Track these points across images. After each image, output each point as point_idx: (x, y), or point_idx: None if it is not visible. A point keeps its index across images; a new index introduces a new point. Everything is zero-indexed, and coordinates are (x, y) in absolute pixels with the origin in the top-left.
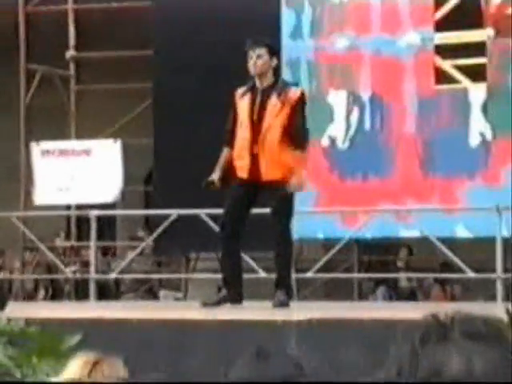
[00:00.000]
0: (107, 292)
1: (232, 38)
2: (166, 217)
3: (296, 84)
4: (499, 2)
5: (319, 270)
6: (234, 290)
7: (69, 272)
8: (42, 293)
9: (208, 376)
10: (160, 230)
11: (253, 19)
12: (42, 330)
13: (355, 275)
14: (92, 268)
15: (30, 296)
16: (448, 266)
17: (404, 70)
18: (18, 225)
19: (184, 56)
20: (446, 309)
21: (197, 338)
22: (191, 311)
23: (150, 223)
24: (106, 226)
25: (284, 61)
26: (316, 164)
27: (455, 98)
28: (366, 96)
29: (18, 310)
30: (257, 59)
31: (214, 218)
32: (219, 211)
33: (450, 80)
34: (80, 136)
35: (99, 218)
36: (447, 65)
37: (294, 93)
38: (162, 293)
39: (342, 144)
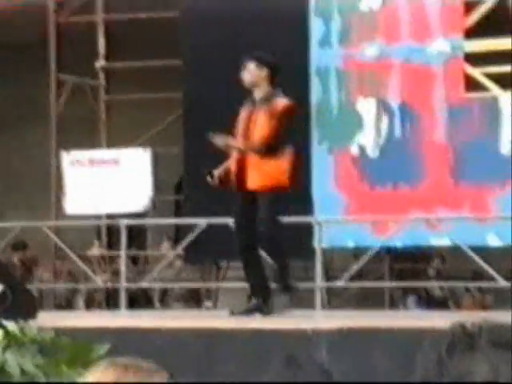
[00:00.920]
0: (140, 301)
1: (260, 46)
2: (196, 225)
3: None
4: None
5: (350, 279)
6: (263, 300)
7: (100, 281)
8: (81, 303)
9: None
10: (190, 238)
11: (281, 28)
12: (72, 339)
13: (386, 284)
14: (122, 277)
15: (62, 305)
16: (479, 275)
17: (434, 77)
18: (50, 234)
19: (212, 65)
20: (474, 317)
21: (227, 347)
22: (221, 320)
23: (179, 232)
24: (137, 235)
25: (313, 69)
26: (346, 173)
27: (485, 105)
28: (395, 104)
29: (49, 320)
30: (244, 72)
31: None
32: None
33: (480, 88)
34: (110, 145)
35: (130, 228)
36: (477, 72)
37: (279, 104)
38: (207, 302)
39: (371, 152)
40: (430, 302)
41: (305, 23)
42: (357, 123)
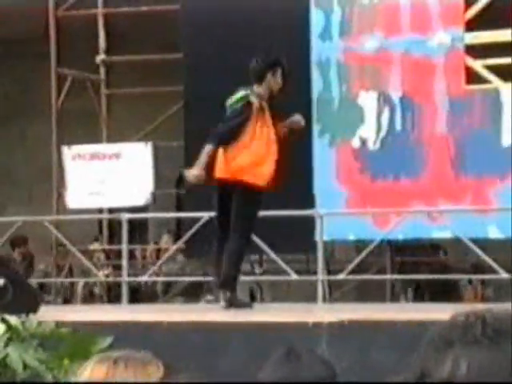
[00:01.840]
0: (141, 295)
1: (260, 39)
2: (198, 219)
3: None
4: None
5: (351, 272)
6: (231, 292)
7: (101, 275)
8: (79, 295)
9: (239, 377)
10: (191, 232)
11: (281, 20)
12: (73, 332)
13: (387, 277)
14: (124, 271)
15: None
16: (480, 267)
17: (434, 70)
18: (51, 229)
19: (213, 58)
20: (474, 309)
21: (228, 340)
22: (222, 313)
23: (181, 226)
24: (138, 229)
25: (313, 62)
26: (347, 165)
27: (486, 98)
28: (396, 97)
29: (49, 314)
30: (278, 78)
31: None
32: None
33: (481, 80)
34: (111, 139)
35: (131, 221)
36: (478, 65)
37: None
38: (207, 297)
39: (373, 145)
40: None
41: (305, 15)
42: (358, 116)
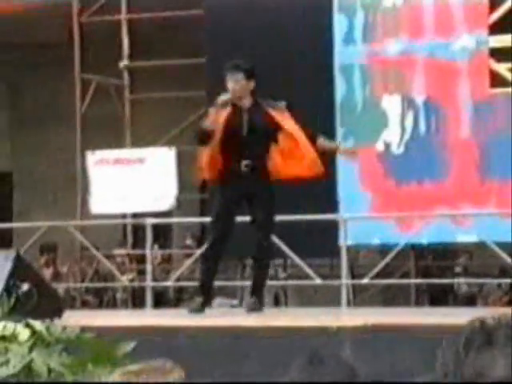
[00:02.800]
0: (166, 300)
1: (283, 44)
2: None
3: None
4: None
5: (375, 276)
6: (208, 299)
7: (125, 280)
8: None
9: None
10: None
11: (304, 25)
12: (97, 337)
13: (412, 281)
14: (148, 276)
15: (87, 304)
16: (507, 271)
17: (458, 73)
18: (75, 234)
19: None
20: (494, 313)
21: (252, 345)
22: (246, 318)
23: (205, 231)
24: (162, 234)
25: (337, 66)
26: (371, 169)
27: (510, 101)
28: (420, 100)
29: (74, 319)
30: (234, 84)
31: None
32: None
33: (505, 83)
34: (135, 144)
35: (155, 227)
36: (502, 68)
37: (282, 104)
38: (216, 300)
39: (396, 149)
40: (457, 299)
41: (328, 20)
42: (381, 120)
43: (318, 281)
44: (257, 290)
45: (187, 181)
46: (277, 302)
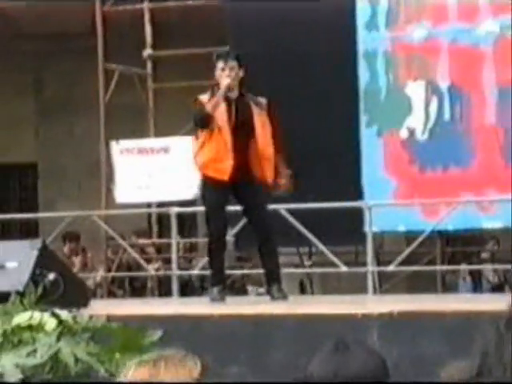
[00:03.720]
0: (191, 289)
1: (306, 32)
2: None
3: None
4: None
5: (401, 263)
6: (223, 287)
7: (151, 269)
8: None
9: (289, 369)
10: (239, 225)
11: (327, 12)
12: (123, 325)
13: (438, 267)
14: (174, 265)
15: (113, 293)
16: None
17: (483, 58)
18: (100, 223)
19: (259, 51)
20: None
21: (278, 332)
22: (272, 305)
23: (230, 219)
24: (187, 223)
25: (360, 53)
26: (395, 156)
27: None
28: (444, 86)
29: (100, 307)
30: (230, 71)
31: (293, 213)
32: (299, 206)
33: None
34: (158, 134)
35: (180, 215)
36: None
37: (263, 101)
38: (250, 288)
39: (421, 135)
40: (483, 285)
41: (351, 6)
42: (405, 106)
43: (344, 268)
44: (277, 278)
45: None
46: (302, 290)
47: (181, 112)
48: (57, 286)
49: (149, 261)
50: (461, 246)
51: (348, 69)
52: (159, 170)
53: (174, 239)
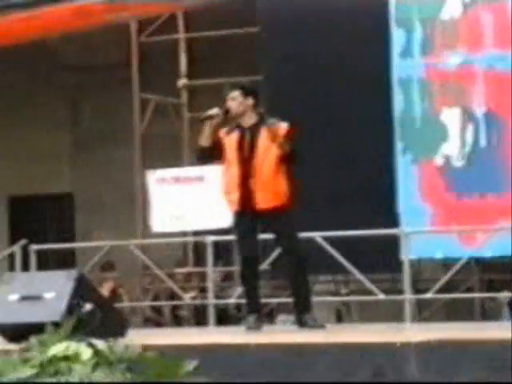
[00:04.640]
0: (228, 318)
1: (341, 60)
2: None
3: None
4: None
5: (439, 291)
6: (259, 315)
7: (188, 298)
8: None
9: None
10: (275, 253)
11: (361, 40)
12: (159, 355)
13: (476, 295)
14: (210, 293)
15: (150, 323)
16: None
17: None
18: (137, 252)
19: (292, 81)
20: None
21: (315, 362)
22: (309, 335)
23: (266, 248)
24: (224, 252)
25: (395, 80)
26: (431, 183)
27: None
28: (480, 112)
29: (136, 337)
30: (231, 101)
31: (329, 240)
32: (335, 234)
33: None
34: (193, 163)
35: (216, 244)
36: None
37: (282, 129)
38: (280, 317)
39: (457, 162)
40: None
41: (386, 33)
42: (441, 133)
43: (381, 296)
44: (310, 307)
45: None
46: (339, 318)
47: None
48: (93, 316)
49: (185, 290)
50: (499, 273)
51: (383, 96)
52: (194, 199)
53: (210, 268)
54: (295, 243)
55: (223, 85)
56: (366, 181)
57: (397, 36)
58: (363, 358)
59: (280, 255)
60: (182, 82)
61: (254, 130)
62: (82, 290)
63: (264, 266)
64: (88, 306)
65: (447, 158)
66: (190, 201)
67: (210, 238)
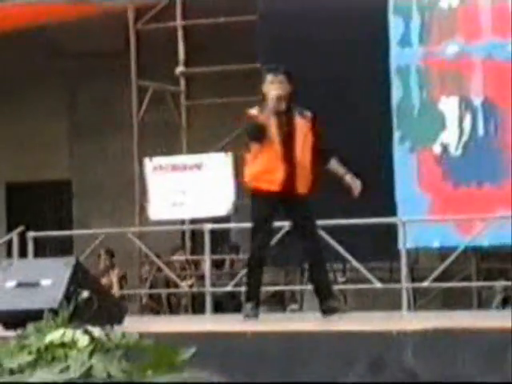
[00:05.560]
0: (227, 305)
1: (339, 48)
2: (280, 228)
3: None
4: None
5: (436, 280)
6: (256, 303)
7: (185, 286)
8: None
9: None
10: (274, 241)
11: (360, 29)
12: (156, 343)
13: (473, 284)
14: (207, 281)
15: (148, 310)
16: None
17: None
18: (134, 240)
19: (290, 68)
20: None
21: (312, 350)
22: (305, 323)
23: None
24: (220, 240)
25: (393, 69)
26: (429, 171)
27: None
28: (478, 101)
29: (133, 325)
30: (280, 84)
31: (327, 229)
32: (333, 222)
33: None
34: (191, 150)
35: (213, 232)
36: None
37: (309, 115)
38: (291, 306)
39: (455, 151)
40: None
41: (384, 22)
42: (439, 122)
43: (378, 285)
44: (333, 292)
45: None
46: None
47: (213, 128)
48: (90, 303)
49: (183, 278)
50: (496, 262)
51: (381, 85)
52: (192, 187)
53: (208, 256)
54: (317, 230)
55: (222, 72)
56: (364, 169)
57: (395, 25)
58: (360, 346)
59: (294, 241)
60: (180, 69)
61: (289, 115)
62: (79, 277)
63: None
64: (85, 294)
65: (445, 147)
66: (187, 189)
67: (208, 226)
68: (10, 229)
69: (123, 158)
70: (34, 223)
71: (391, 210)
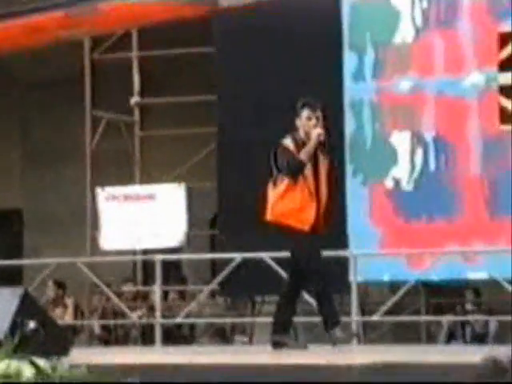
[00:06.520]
0: (178, 337)
1: (294, 82)
2: (232, 260)
3: None
4: None
5: (386, 313)
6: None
7: (134, 316)
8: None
9: None
10: (225, 273)
11: (315, 63)
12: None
13: (423, 318)
14: (157, 313)
15: (96, 341)
16: None
17: (468, 110)
18: (85, 270)
19: (247, 101)
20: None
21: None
22: (256, 355)
23: (215, 267)
24: (173, 270)
25: (346, 103)
26: (381, 205)
27: None
28: (429, 137)
29: (82, 356)
30: (317, 122)
31: (278, 261)
32: (283, 254)
33: None
34: (144, 181)
35: (165, 263)
36: None
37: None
38: (237, 337)
39: (406, 185)
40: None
41: (338, 56)
42: (391, 156)
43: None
44: (339, 321)
45: (197, 217)
46: None
47: (167, 159)
48: (37, 334)
49: (133, 308)
50: (445, 296)
51: (334, 118)
52: (145, 218)
53: (158, 287)
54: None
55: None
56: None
57: (349, 59)
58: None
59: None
60: (135, 99)
61: (316, 151)
62: (27, 307)
63: (214, 285)
64: (32, 324)
65: (397, 181)
66: (139, 219)
67: (159, 257)
68: None
69: (76, 187)
70: None
71: (342, 243)
